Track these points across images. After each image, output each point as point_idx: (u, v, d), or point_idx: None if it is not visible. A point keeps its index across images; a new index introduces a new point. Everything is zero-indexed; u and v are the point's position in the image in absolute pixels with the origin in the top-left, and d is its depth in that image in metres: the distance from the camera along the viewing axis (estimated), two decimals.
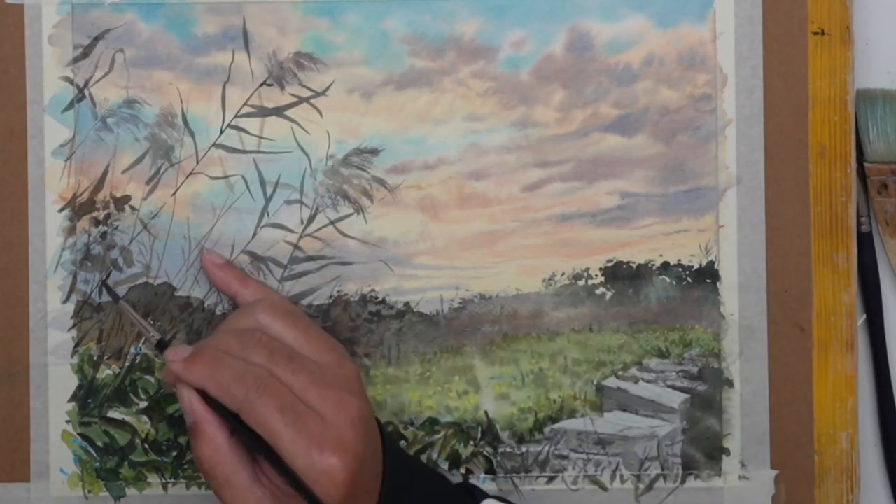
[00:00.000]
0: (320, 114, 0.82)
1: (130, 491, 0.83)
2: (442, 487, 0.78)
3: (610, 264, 0.83)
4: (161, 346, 0.75)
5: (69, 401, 0.82)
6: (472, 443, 0.83)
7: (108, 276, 0.81)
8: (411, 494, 0.75)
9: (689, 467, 0.83)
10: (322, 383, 0.72)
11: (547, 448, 0.83)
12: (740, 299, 0.83)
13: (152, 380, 0.82)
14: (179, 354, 0.72)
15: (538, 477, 0.83)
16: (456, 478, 0.83)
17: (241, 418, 0.71)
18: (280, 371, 0.72)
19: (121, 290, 0.82)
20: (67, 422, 0.82)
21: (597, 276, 0.83)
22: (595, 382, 0.83)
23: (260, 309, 0.75)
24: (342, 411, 0.71)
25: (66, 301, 0.82)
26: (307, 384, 0.71)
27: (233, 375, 0.71)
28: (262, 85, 0.82)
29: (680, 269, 0.83)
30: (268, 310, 0.75)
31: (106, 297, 0.82)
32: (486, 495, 0.78)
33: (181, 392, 0.72)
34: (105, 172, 0.82)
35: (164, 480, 0.83)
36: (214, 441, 0.72)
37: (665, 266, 0.83)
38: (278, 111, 0.82)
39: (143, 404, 0.82)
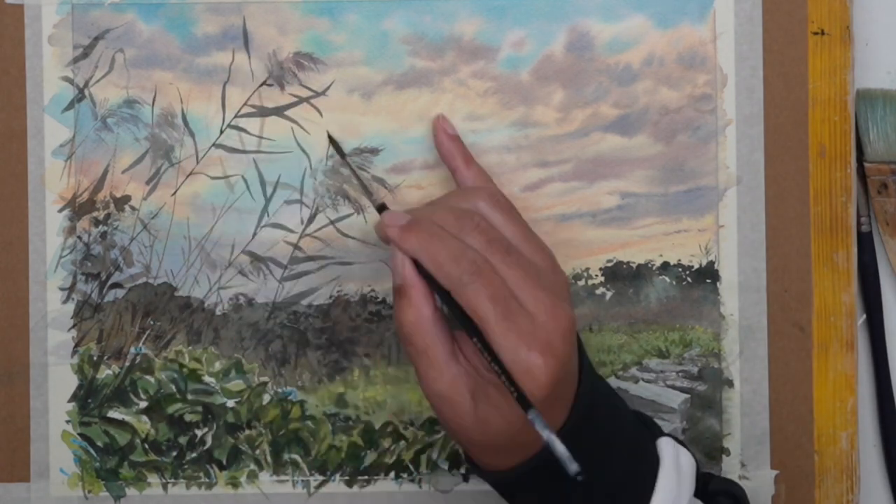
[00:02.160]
0: (320, 114, 0.82)
1: (130, 491, 0.83)
2: (624, 416, 0.75)
3: (610, 264, 0.83)
4: (382, 209, 0.75)
5: (69, 401, 0.82)
6: None
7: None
8: (595, 414, 0.72)
9: None
10: (537, 284, 0.69)
11: None
12: (740, 299, 0.83)
13: (152, 380, 0.82)
14: (397, 220, 0.71)
15: None
16: (456, 477, 0.83)
17: (452, 296, 0.69)
18: (496, 260, 0.70)
19: (121, 291, 0.82)
20: (67, 422, 0.82)
21: (597, 276, 0.83)
22: None
23: (480, 196, 0.73)
24: (554, 318, 0.69)
25: (66, 301, 0.82)
26: (521, 281, 0.69)
27: (448, 253, 0.69)
28: (262, 85, 0.82)
29: (680, 269, 0.83)
30: (488, 199, 0.73)
31: (110, 297, 0.82)
32: (662, 433, 0.76)
33: (395, 252, 0.71)
34: (105, 172, 0.82)
35: (164, 480, 0.83)
36: (420, 309, 0.70)
37: (665, 266, 0.83)
38: (278, 111, 0.82)
39: (143, 404, 0.82)
